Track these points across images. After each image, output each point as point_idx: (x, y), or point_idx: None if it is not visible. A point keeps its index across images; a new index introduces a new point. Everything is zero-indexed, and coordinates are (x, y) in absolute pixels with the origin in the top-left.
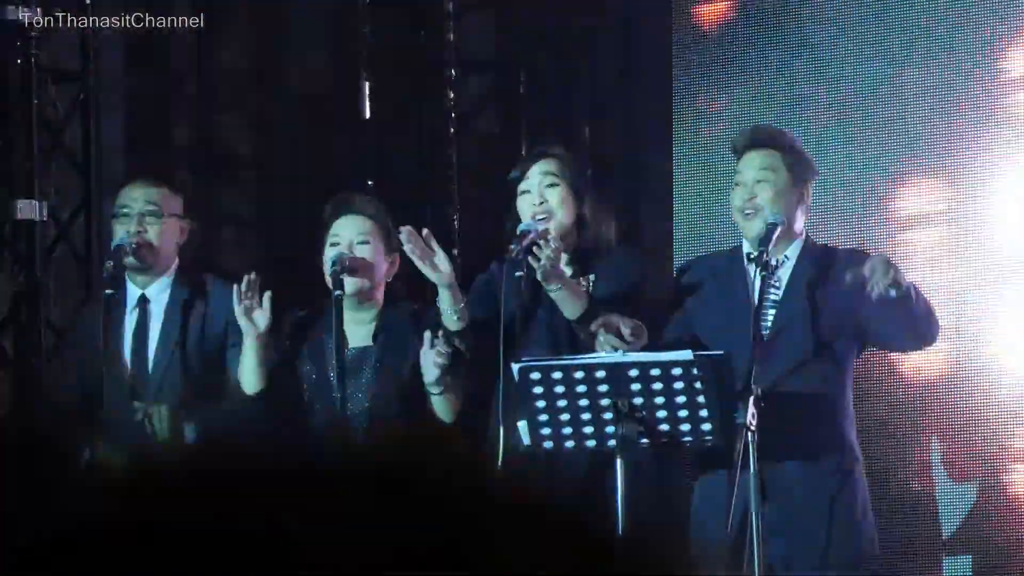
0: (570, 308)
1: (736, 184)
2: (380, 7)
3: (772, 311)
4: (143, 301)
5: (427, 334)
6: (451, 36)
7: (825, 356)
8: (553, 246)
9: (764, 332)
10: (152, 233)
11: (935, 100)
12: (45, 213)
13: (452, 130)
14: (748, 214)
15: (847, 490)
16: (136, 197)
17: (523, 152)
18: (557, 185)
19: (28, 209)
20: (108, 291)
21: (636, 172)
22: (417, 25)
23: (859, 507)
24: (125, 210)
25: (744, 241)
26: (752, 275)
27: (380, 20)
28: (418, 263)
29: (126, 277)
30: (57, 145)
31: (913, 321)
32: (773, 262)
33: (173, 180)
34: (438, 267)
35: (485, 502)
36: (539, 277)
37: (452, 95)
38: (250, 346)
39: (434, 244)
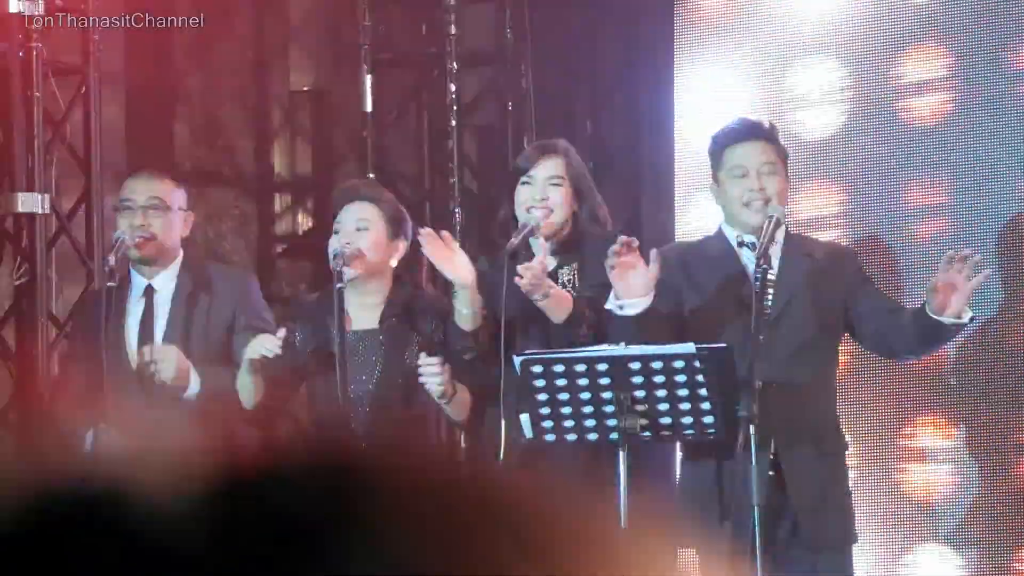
0: (556, 314)
1: (738, 175)
2: (382, 0)
3: (770, 292)
4: (150, 290)
5: (423, 356)
6: (452, 29)
7: (821, 342)
8: (536, 263)
9: (770, 315)
10: (156, 226)
11: (946, 94)
12: (46, 206)
13: (453, 123)
14: (756, 205)
15: (839, 473)
16: (139, 190)
17: (525, 145)
18: (560, 185)
19: (29, 202)
20: (109, 283)
21: (638, 164)
22: (418, 18)
23: (847, 489)
24: (128, 203)
25: (725, 226)
26: (750, 264)
27: (381, 13)
28: (437, 264)
29: (130, 268)
30: (58, 138)
31: (926, 341)
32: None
33: (175, 173)
34: (458, 269)
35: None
36: (524, 290)
37: (453, 88)
38: (252, 370)
39: (455, 246)
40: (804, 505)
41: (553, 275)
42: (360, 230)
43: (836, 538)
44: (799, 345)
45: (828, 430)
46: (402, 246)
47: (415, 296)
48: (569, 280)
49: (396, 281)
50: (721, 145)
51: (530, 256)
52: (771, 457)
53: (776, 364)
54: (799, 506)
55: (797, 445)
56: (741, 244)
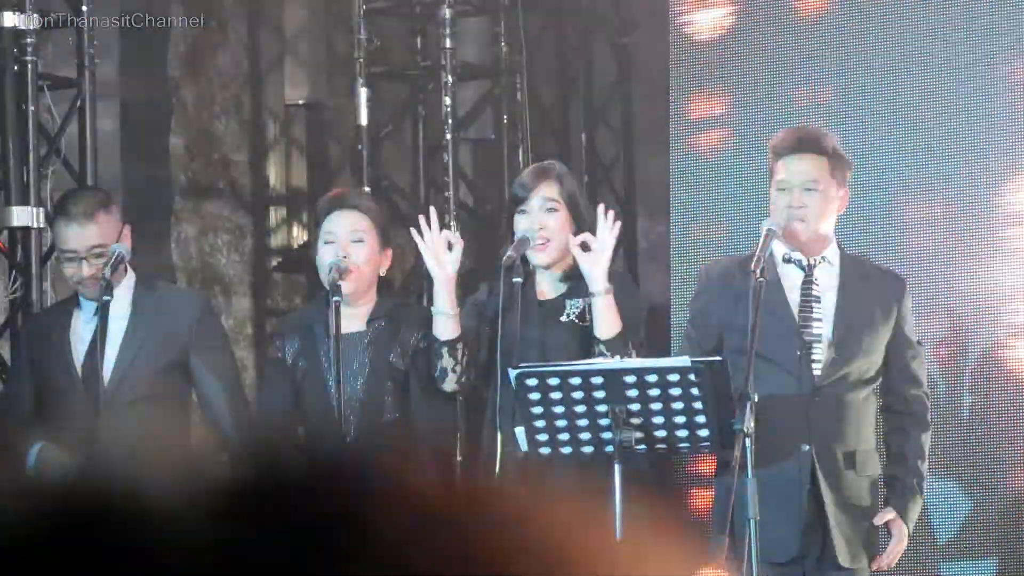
0: (607, 325)
1: (780, 188)
2: (377, 13)
3: (817, 306)
4: (103, 306)
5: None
6: (447, 42)
7: (869, 364)
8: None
9: (817, 333)
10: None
11: (938, 104)
12: (41, 220)
13: (448, 136)
14: (795, 224)
15: (877, 492)
16: (75, 213)
17: (519, 158)
18: (556, 211)
19: (24, 216)
20: (105, 297)
21: (632, 177)
22: (413, 31)
23: (877, 510)
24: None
25: (775, 241)
26: (795, 279)
27: (376, 26)
28: (425, 255)
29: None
30: (53, 152)
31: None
32: (811, 262)
33: (107, 201)
34: (444, 264)
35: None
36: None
37: (448, 101)
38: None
39: (454, 240)
40: (837, 521)
41: (560, 305)
42: (356, 242)
43: (862, 556)
44: (853, 366)
45: (867, 452)
46: (390, 254)
47: (401, 304)
48: (576, 313)
49: (381, 288)
50: (774, 156)
51: (529, 274)
52: (811, 471)
53: (832, 383)
54: (833, 521)
55: (837, 463)
56: (788, 260)
